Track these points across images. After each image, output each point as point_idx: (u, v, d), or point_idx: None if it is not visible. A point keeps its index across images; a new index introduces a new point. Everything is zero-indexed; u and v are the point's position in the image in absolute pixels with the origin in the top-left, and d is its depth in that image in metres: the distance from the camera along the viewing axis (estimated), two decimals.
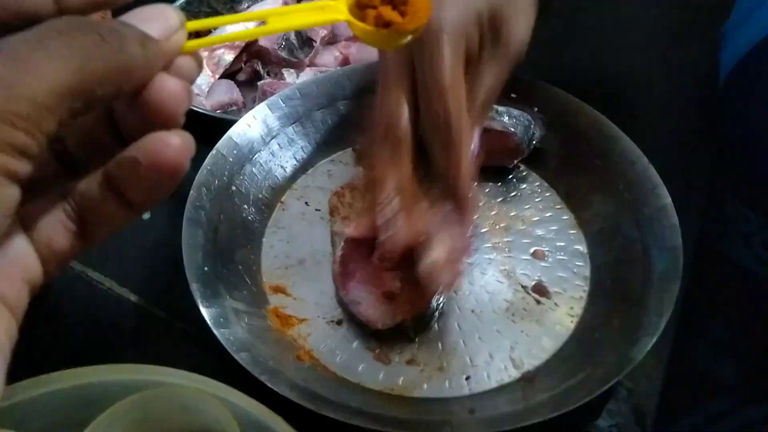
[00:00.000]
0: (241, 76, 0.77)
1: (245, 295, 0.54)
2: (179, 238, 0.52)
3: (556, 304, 0.55)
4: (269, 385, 0.44)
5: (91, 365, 0.38)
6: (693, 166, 0.69)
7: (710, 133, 0.74)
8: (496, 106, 0.61)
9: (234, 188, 0.59)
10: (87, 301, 0.57)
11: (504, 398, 0.49)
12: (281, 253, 0.59)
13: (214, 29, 0.71)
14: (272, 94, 0.67)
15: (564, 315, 0.54)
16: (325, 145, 0.65)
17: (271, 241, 0.59)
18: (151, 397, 0.36)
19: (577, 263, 0.58)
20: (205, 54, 0.76)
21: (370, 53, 0.74)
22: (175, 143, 0.24)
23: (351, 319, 0.53)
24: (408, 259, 0.50)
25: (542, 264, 0.58)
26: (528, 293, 0.56)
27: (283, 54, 0.76)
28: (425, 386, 0.50)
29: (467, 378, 0.51)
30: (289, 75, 0.75)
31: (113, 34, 0.22)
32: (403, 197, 0.48)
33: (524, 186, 0.64)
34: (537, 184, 0.64)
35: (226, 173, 0.59)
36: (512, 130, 0.60)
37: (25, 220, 0.25)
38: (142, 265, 0.60)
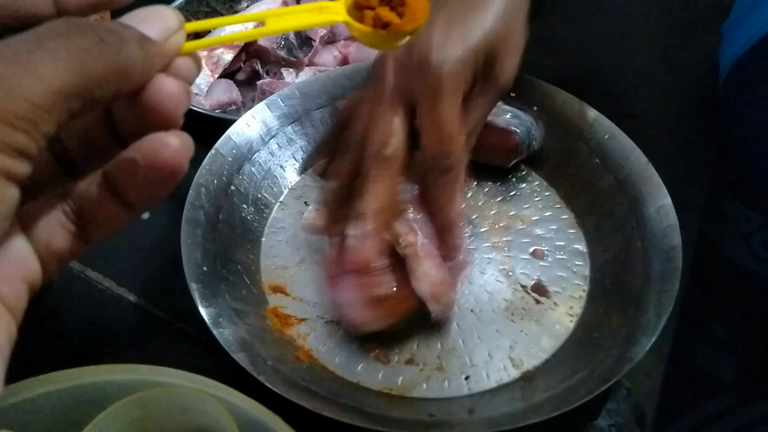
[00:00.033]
0: (240, 76, 0.77)
1: (244, 294, 0.54)
2: (178, 238, 0.52)
3: (555, 303, 0.55)
4: (268, 385, 0.44)
5: (90, 365, 0.38)
6: (692, 165, 0.69)
7: (710, 133, 0.74)
8: (503, 105, 0.61)
9: (233, 188, 0.59)
10: (86, 301, 0.57)
11: (503, 398, 0.49)
12: (280, 253, 0.59)
13: (213, 30, 0.71)
14: (271, 93, 0.67)
15: (563, 314, 0.54)
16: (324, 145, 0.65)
17: (271, 241, 0.59)
18: (150, 397, 0.36)
19: (577, 262, 0.58)
20: (204, 53, 0.76)
21: (369, 53, 0.74)
22: (174, 144, 0.24)
23: None
24: (397, 265, 0.50)
25: (542, 263, 0.58)
26: (527, 293, 0.56)
27: (282, 53, 0.76)
28: (424, 386, 0.50)
29: (466, 378, 0.51)
30: (288, 74, 0.75)
31: (112, 36, 0.22)
32: (379, 216, 0.49)
33: (524, 185, 0.64)
34: (536, 183, 0.64)
35: (225, 173, 0.59)
36: (515, 129, 0.60)
37: (24, 220, 0.25)
38: (141, 265, 0.60)
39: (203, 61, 0.76)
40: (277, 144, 0.63)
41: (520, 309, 0.55)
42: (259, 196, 0.61)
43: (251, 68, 0.77)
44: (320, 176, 0.63)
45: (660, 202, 0.56)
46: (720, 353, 0.82)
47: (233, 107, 0.74)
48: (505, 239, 0.59)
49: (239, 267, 0.56)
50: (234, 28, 0.67)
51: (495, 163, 0.63)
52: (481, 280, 0.56)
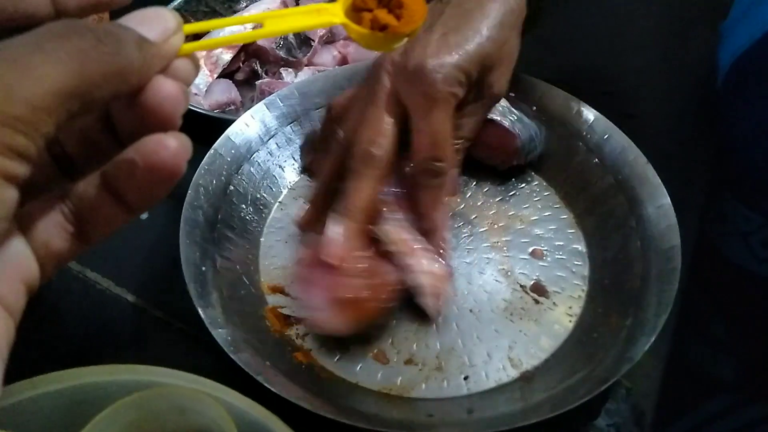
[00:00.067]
0: (240, 76, 0.77)
1: (243, 295, 0.54)
2: (177, 238, 0.52)
3: (554, 303, 0.55)
4: (267, 385, 0.44)
5: (89, 365, 0.38)
6: (692, 165, 0.69)
7: (709, 132, 0.74)
8: (512, 108, 0.61)
9: (232, 188, 0.59)
10: (85, 302, 0.57)
11: (502, 398, 0.49)
12: (279, 253, 0.59)
13: (212, 31, 0.71)
14: (270, 93, 0.67)
15: (562, 314, 0.54)
16: None
17: (270, 241, 0.59)
18: (149, 398, 0.36)
19: (576, 262, 0.58)
20: (203, 53, 0.76)
21: (368, 53, 0.73)
22: (172, 145, 0.24)
23: None
24: (371, 269, 0.51)
25: (541, 263, 0.58)
26: (526, 293, 0.56)
27: (282, 53, 0.76)
28: (423, 386, 0.50)
29: (465, 378, 0.51)
30: (287, 74, 0.75)
31: (110, 37, 0.22)
32: (360, 215, 0.50)
33: (523, 185, 0.64)
34: (535, 183, 0.64)
35: (224, 173, 0.59)
36: (518, 134, 0.60)
37: (22, 221, 0.25)
38: (140, 265, 0.60)
39: (202, 61, 0.76)
40: (276, 144, 0.63)
41: (519, 309, 0.55)
42: (258, 196, 0.61)
43: (250, 68, 0.77)
44: (308, 172, 0.63)
45: (659, 202, 0.56)
46: (719, 353, 0.83)
47: (232, 107, 0.74)
48: (504, 239, 0.59)
49: (238, 267, 0.56)
50: (232, 29, 0.67)
51: (490, 163, 0.63)
52: (480, 280, 0.56)
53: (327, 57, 0.78)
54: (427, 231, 0.53)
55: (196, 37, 0.36)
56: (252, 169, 0.61)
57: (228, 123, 0.61)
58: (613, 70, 0.79)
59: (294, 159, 0.64)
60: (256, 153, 0.62)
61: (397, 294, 0.52)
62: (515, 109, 0.61)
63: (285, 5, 0.80)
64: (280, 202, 0.62)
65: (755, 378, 0.80)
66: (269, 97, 0.64)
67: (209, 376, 0.38)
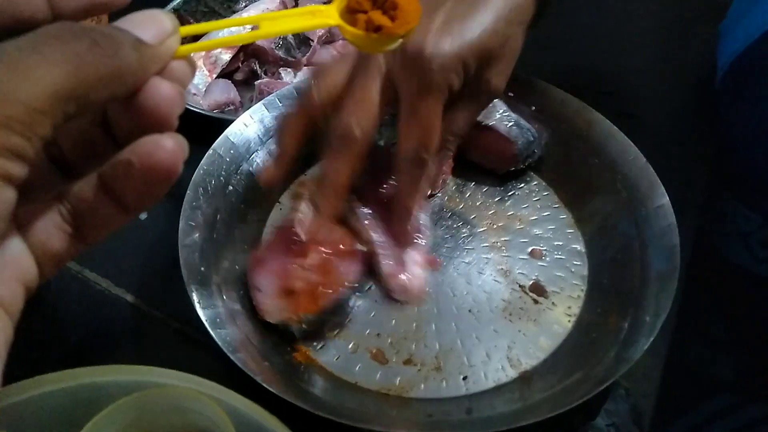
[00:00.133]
0: (239, 76, 0.77)
1: (242, 295, 0.54)
2: (176, 238, 0.52)
3: (553, 303, 0.55)
4: (265, 385, 0.44)
5: (88, 366, 0.38)
6: (691, 164, 0.69)
7: (708, 132, 0.74)
8: (509, 112, 0.61)
9: (231, 188, 0.59)
10: (84, 302, 0.57)
11: (501, 398, 0.50)
12: None
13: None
14: (269, 93, 0.67)
15: (561, 314, 0.55)
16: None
17: None
18: (148, 398, 0.36)
19: (575, 262, 0.58)
20: (202, 53, 0.76)
21: None
22: (169, 146, 0.24)
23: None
24: (319, 262, 0.52)
25: (540, 263, 0.58)
26: (525, 293, 0.56)
27: (281, 53, 0.76)
28: (422, 386, 0.50)
29: (464, 378, 0.51)
30: (286, 74, 0.75)
31: (107, 39, 0.22)
32: (332, 196, 0.51)
33: (522, 185, 0.64)
34: (535, 183, 0.64)
35: (223, 173, 0.59)
36: (514, 139, 0.60)
37: (20, 222, 0.25)
38: (139, 266, 0.60)
39: (201, 61, 0.76)
40: (275, 144, 0.63)
41: (518, 309, 0.55)
42: (257, 196, 0.61)
43: (249, 68, 0.77)
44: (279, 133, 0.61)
45: (658, 202, 0.56)
46: (719, 353, 0.83)
47: (231, 107, 0.74)
48: (503, 239, 0.59)
49: (237, 267, 0.56)
50: (231, 30, 0.67)
51: (487, 167, 0.64)
52: (479, 280, 0.56)
53: (326, 57, 0.78)
54: (396, 215, 0.54)
55: (195, 38, 0.36)
56: (251, 169, 0.61)
57: (227, 123, 0.61)
58: (612, 70, 0.79)
59: None
60: (255, 153, 0.62)
61: (348, 293, 0.53)
62: (513, 112, 0.61)
63: (284, 5, 0.80)
64: (279, 202, 0.62)
65: (755, 378, 0.80)
66: (268, 98, 0.64)
67: (208, 376, 0.38)
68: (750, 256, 0.75)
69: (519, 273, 0.57)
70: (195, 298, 0.49)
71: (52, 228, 0.25)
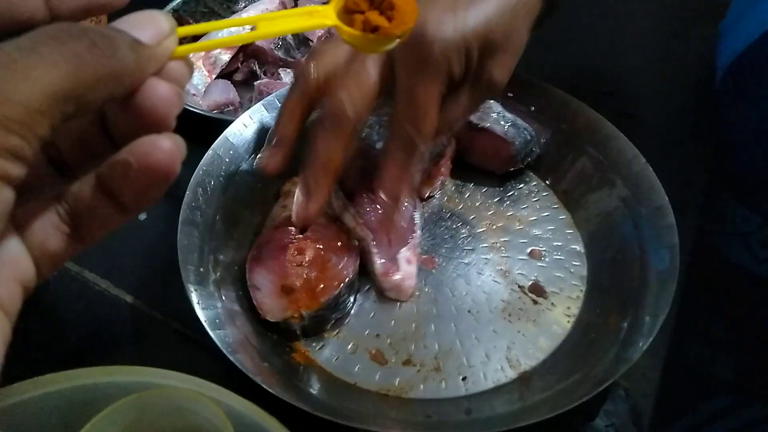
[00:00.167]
0: (238, 76, 0.77)
1: (241, 296, 0.54)
2: (175, 239, 0.52)
3: (552, 304, 0.55)
4: (265, 386, 0.44)
5: (87, 366, 0.38)
6: (690, 165, 0.69)
7: (708, 132, 0.74)
8: (504, 113, 0.61)
9: (230, 189, 0.59)
10: (83, 303, 0.57)
11: (500, 399, 0.49)
12: None
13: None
14: (269, 94, 0.67)
15: (561, 315, 0.54)
16: None
17: None
18: (147, 399, 0.36)
19: (574, 263, 0.58)
20: (201, 54, 0.76)
21: None
22: (167, 146, 0.24)
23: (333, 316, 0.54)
24: (316, 258, 0.53)
25: (539, 264, 0.58)
26: (525, 293, 0.56)
27: (280, 54, 0.76)
28: (421, 387, 0.50)
29: (464, 378, 0.51)
30: (285, 75, 0.75)
31: (105, 40, 0.22)
32: (325, 172, 0.50)
33: (521, 186, 0.64)
34: (534, 183, 0.64)
35: (223, 174, 0.59)
36: (512, 139, 0.60)
37: (18, 222, 0.25)
38: (138, 266, 0.60)
39: (201, 62, 0.76)
40: (273, 129, 0.63)
41: (517, 310, 0.55)
42: (257, 197, 0.61)
43: (249, 69, 0.77)
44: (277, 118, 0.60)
45: (658, 202, 0.56)
46: (718, 353, 0.83)
47: (230, 108, 0.74)
48: (502, 240, 0.59)
49: (236, 268, 0.56)
50: (229, 30, 0.67)
51: (487, 168, 0.64)
52: (479, 281, 0.56)
53: None
54: (384, 202, 0.53)
55: (195, 38, 0.36)
56: (250, 169, 0.61)
57: (226, 124, 0.61)
58: (612, 70, 0.79)
59: None
60: (255, 154, 0.61)
61: (347, 288, 0.53)
62: (509, 113, 0.61)
63: (283, 6, 0.80)
64: (278, 202, 0.62)
65: (754, 378, 0.80)
66: (268, 98, 0.64)
67: (207, 377, 0.38)
68: (750, 256, 0.75)
69: (518, 273, 0.57)
70: (194, 298, 0.49)
71: (50, 228, 0.25)
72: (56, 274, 0.58)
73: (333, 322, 0.53)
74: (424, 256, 0.58)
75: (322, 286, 0.51)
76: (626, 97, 0.75)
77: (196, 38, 0.45)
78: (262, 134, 0.62)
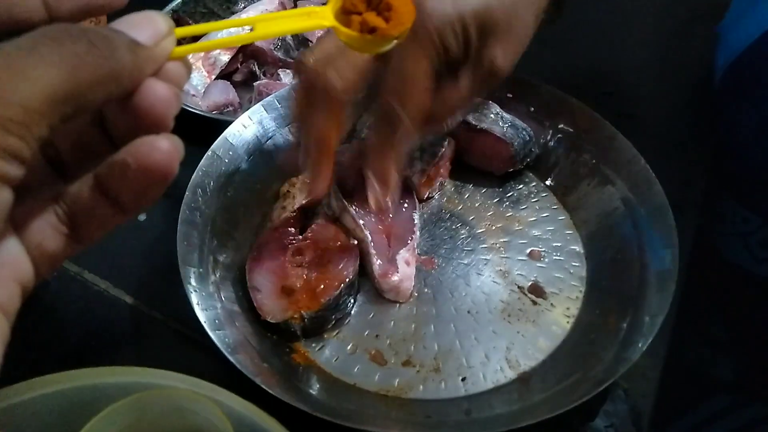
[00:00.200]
0: (238, 77, 0.77)
1: (241, 297, 0.54)
2: (175, 240, 0.52)
3: (552, 304, 0.55)
4: (264, 387, 0.44)
5: (87, 367, 0.38)
6: (689, 165, 0.69)
7: (708, 132, 0.74)
8: (503, 114, 0.61)
9: (229, 189, 0.59)
10: (82, 303, 0.57)
11: (500, 399, 0.49)
12: None
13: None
14: (268, 94, 0.67)
15: (560, 315, 0.54)
16: None
17: None
18: (147, 400, 0.36)
19: (574, 263, 0.58)
20: (201, 55, 0.76)
21: None
22: (165, 147, 0.24)
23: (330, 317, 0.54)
24: (316, 259, 0.53)
25: (538, 264, 0.58)
26: (524, 294, 0.56)
27: (279, 54, 0.76)
28: (421, 387, 0.50)
29: (463, 379, 0.51)
30: (285, 75, 0.75)
31: (103, 41, 0.23)
32: (319, 148, 0.50)
33: (520, 186, 0.64)
34: (533, 184, 0.64)
35: (222, 174, 0.59)
36: (510, 140, 0.60)
37: (16, 222, 0.25)
38: (138, 267, 0.60)
39: (200, 62, 0.76)
40: (274, 145, 0.63)
41: (516, 310, 0.55)
42: (256, 197, 0.61)
43: (248, 69, 0.77)
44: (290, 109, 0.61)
45: (658, 202, 0.56)
46: (718, 353, 0.83)
47: (230, 108, 0.74)
48: (501, 240, 0.59)
49: (236, 269, 0.56)
50: (229, 31, 0.67)
51: (486, 169, 0.64)
52: (478, 282, 0.56)
53: None
54: (371, 181, 0.51)
55: (194, 39, 0.36)
56: (250, 170, 0.61)
57: (226, 124, 0.61)
58: (612, 70, 0.79)
59: None
60: (254, 154, 0.62)
61: (346, 288, 0.52)
62: (507, 113, 0.61)
63: (283, 6, 0.80)
64: (277, 202, 0.62)
65: (754, 378, 0.80)
66: (267, 99, 0.64)
67: (207, 378, 0.38)
68: (749, 257, 0.75)
69: (518, 274, 0.57)
70: (194, 299, 0.49)
71: (48, 228, 0.25)
72: (56, 275, 0.58)
73: (333, 322, 0.53)
74: (424, 257, 0.58)
75: (322, 286, 0.51)
76: (626, 97, 0.75)
77: (195, 39, 0.45)
78: (262, 135, 0.62)
